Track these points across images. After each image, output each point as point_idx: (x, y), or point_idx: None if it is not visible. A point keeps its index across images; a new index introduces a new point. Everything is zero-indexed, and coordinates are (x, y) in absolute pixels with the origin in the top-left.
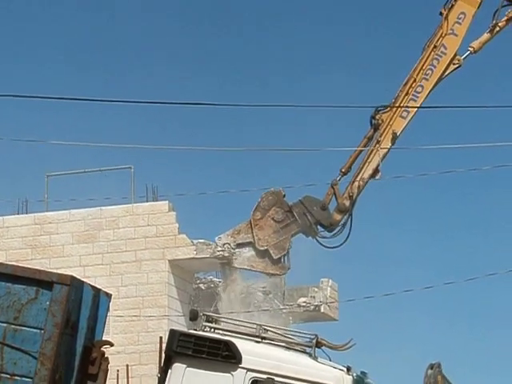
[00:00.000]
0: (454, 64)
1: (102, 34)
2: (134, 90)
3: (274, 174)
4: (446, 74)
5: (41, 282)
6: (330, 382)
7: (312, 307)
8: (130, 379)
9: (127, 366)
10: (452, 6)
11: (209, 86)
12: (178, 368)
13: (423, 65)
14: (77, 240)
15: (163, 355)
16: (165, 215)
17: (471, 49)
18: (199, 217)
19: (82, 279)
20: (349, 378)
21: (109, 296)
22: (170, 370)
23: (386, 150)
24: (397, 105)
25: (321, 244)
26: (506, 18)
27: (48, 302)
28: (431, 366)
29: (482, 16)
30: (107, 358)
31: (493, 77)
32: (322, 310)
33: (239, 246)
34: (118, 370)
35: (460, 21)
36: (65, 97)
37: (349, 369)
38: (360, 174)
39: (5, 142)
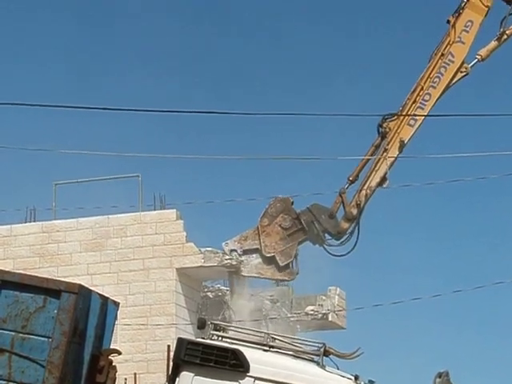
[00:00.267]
0: (461, 72)
1: (103, 37)
2: (139, 96)
3: (282, 182)
4: (454, 82)
5: (49, 290)
6: None
7: (320, 315)
8: None
9: (135, 374)
10: (459, 14)
11: (212, 92)
12: (185, 376)
13: (430, 73)
14: (84, 248)
15: (171, 364)
16: (172, 223)
17: (479, 57)
18: (207, 225)
19: (90, 288)
20: None
21: (116, 304)
22: (177, 379)
23: (394, 158)
24: (404, 113)
25: (328, 252)
26: None
27: (56, 311)
28: (439, 375)
29: (490, 24)
30: (115, 366)
31: (501, 84)
32: (330, 319)
33: (246, 252)
34: (125, 379)
35: (467, 29)
36: (70, 105)
37: (357, 377)
38: (367, 183)
39: (13, 150)
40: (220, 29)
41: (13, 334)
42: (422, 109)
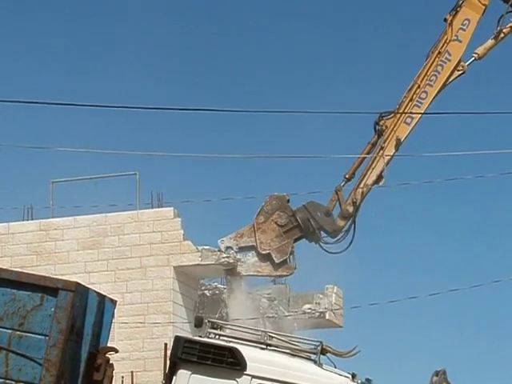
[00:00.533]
0: (458, 70)
1: (103, 36)
2: (139, 96)
3: (279, 180)
4: (451, 80)
5: (46, 288)
6: None
7: (317, 314)
8: None
9: (132, 372)
10: (456, 12)
11: (212, 92)
12: (182, 375)
13: (427, 71)
14: (82, 246)
15: (168, 362)
16: (170, 222)
17: (475, 55)
18: (204, 223)
19: (87, 286)
20: None
21: (114, 302)
22: (174, 377)
23: (390, 156)
24: (401, 111)
25: (324, 250)
26: (510, 24)
27: (53, 309)
28: (436, 373)
29: (487, 22)
30: (112, 364)
31: (499, 83)
32: (327, 317)
33: (241, 249)
34: (122, 377)
35: (464, 27)
36: (68, 102)
37: (354, 376)
38: (364, 181)
39: (10, 148)
40: (220, 29)
41: (10, 331)
42: (419, 107)
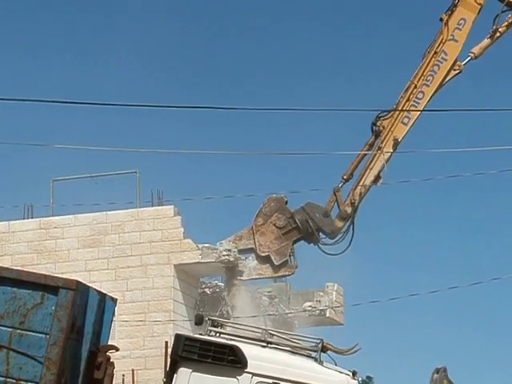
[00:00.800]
0: (454, 70)
1: (103, 35)
2: (136, 93)
3: (280, 178)
4: (447, 80)
5: (46, 286)
6: None
7: (317, 312)
8: None
9: (133, 370)
10: (452, 12)
11: (212, 91)
12: (183, 373)
13: (424, 71)
14: (82, 245)
15: (169, 360)
16: (170, 220)
17: (472, 54)
18: (204, 221)
19: (88, 284)
20: (354, 383)
21: (114, 301)
22: (175, 375)
23: (389, 155)
24: (398, 111)
25: (323, 251)
26: (506, 23)
27: (53, 307)
28: (437, 371)
29: (483, 22)
30: (113, 362)
31: (499, 80)
32: (328, 315)
33: (241, 252)
34: (123, 375)
35: (460, 27)
36: (69, 100)
37: (354, 373)
38: (362, 181)
39: (10, 146)
40: (220, 29)
41: (10, 330)
42: (416, 107)
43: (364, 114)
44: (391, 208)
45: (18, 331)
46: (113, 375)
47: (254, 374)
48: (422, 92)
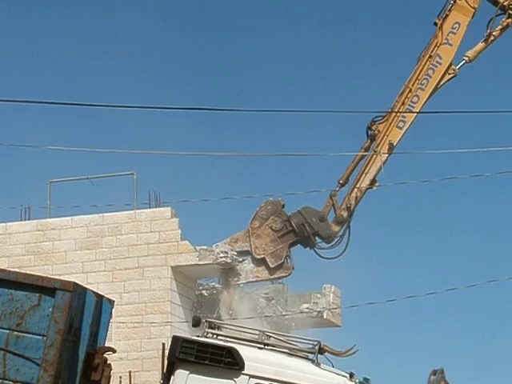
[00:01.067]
0: (449, 74)
1: (101, 36)
2: (134, 94)
3: (277, 180)
4: (442, 83)
5: (43, 288)
6: None
7: (315, 313)
8: None
9: (130, 372)
10: (446, 16)
11: (206, 90)
12: (180, 374)
13: (419, 75)
14: (79, 246)
15: (166, 362)
16: (167, 221)
17: (466, 58)
18: (202, 223)
19: (85, 286)
20: None
21: (111, 302)
22: (172, 377)
23: (383, 160)
24: (393, 115)
25: (319, 255)
26: (500, 27)
27: (51, 309)
28: (434, 372)
29: (477, 25)
30: (110, 364)
31: (496, 82)
32: (325, 316)
33: (236, 254)
34: (120, 377)
35: (454, 31)
36: (64, 102)
37: (352, 375)
38: (357, 185)
39: (7, 148)
40: (219, 29)
41: (7, 331)
42: (411, 111)
43: (362, 116)
44: (388, 210)
45: (15, 333)
46: (110, 377)
47: (251, 376)
48: (417, 96)
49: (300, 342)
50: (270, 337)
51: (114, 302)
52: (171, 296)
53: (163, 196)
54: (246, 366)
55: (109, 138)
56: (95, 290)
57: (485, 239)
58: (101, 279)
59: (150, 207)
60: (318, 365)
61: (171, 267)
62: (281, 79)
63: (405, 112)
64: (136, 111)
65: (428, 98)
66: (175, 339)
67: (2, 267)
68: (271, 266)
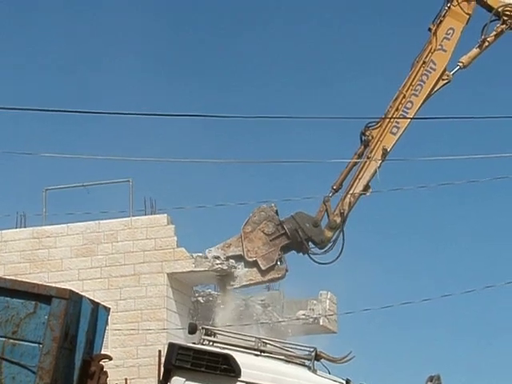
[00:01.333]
0: (443, 80)
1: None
2: (134, 94)
3: (272, 186)
4: (436, 89)
5: (39, 296)
6: None
7: (311, 320)
8: None
9: (126, 379)
10: (440, 21)
11: (206, 90)
12: (176, 382)
13: (412, 81)
14: (75, 254)
15: (162, 369)
16: (163, 228)
17: (460, 64)
18: (198, 230)
19: (81, 293)
20: None
21: (107, 310)
22: None
23: (378, 165)
24: (387, 121)
25: (313, 260)
26: (494, 32)
27: (46, 316)
28: (431, 378)
29: (471, 31)
30: (106, 371)
31: (494, 87)
32: (321, 323)
33: (229, 259)
34: None
35: (449, 36)
36: (60, 109)
37: (348, 382)
38: (351, 191)
39: (2, 155)
40: (219, 29)
41: (3, 339)
42: (405, 117)
43: (356, 122)
44: (385, 215)
45: (11, 341)
46: None
47: (247, 383)
48: (411, 102)
49: (296, 349)
50: (266, 343)
51: (109, 309)
52: (167, 303)
53: (159, 203)
54: (242, 373)
55: (104, 145)
56: (91, 298)
57: (481, 245)
58: (97, 286)
59: (145, 214)
60: (314, 371)
61: (167, 274)
62: (275, 83)
63: (399, 118)
64: (132, 118)
65: (422, 104)
66: (171, 346)
67: None
68: (263, 268)
